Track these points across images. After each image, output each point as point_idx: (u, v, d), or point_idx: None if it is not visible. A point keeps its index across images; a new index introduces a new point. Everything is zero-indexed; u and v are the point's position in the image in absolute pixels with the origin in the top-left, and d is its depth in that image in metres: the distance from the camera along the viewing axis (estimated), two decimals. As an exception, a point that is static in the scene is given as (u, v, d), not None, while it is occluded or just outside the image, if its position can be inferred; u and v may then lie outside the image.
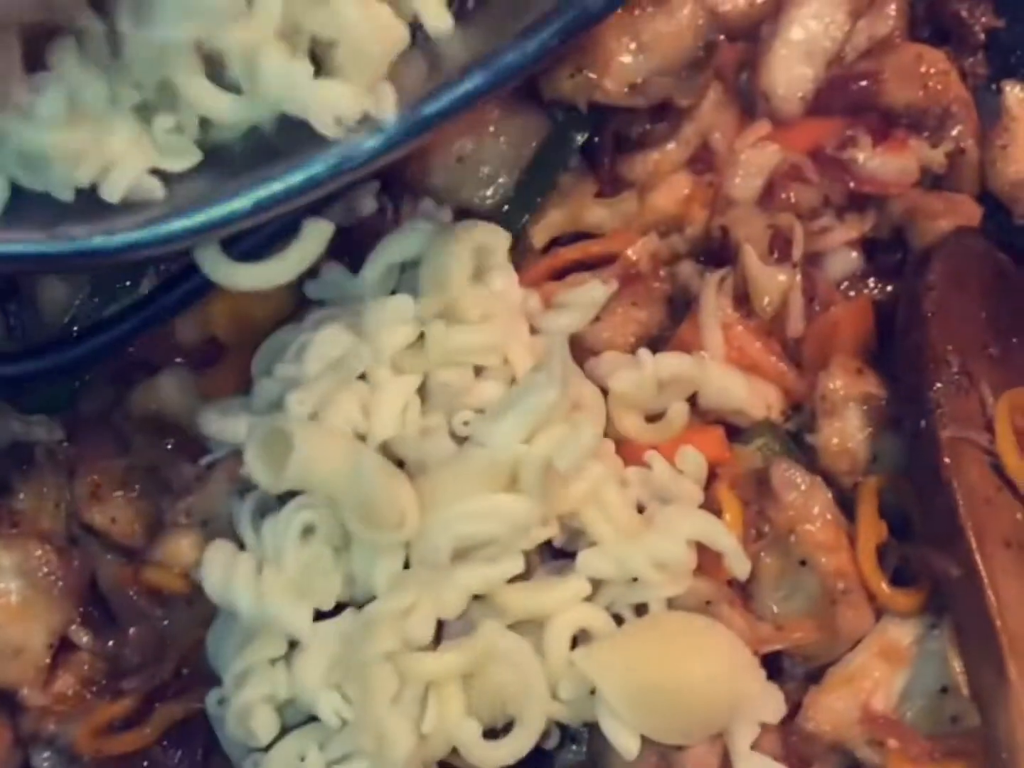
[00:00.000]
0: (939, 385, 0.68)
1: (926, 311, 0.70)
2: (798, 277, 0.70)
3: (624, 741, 0.61)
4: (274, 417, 0.64)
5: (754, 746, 0.63)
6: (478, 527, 0.62)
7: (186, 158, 0.60)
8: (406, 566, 0.64)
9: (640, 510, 0.66)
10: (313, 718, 0.64)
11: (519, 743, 0.62)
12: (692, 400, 0.70)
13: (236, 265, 0.63)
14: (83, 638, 0.71)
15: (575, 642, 0.63)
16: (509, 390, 0.65)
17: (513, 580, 0.63)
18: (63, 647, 0.71)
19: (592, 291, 0.70)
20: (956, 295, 0.71)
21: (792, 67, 0.75)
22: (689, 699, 0.61)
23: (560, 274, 0.73)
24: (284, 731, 0.65)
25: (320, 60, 0.60)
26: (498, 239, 0.69)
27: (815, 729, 0.65)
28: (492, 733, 0.63)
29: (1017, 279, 0.74)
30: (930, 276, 0.71)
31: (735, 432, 0.70)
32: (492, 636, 0.62)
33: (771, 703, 0.63)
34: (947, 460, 0.66)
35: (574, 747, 0.66)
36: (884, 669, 0.65)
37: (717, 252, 0.73)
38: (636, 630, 0.63)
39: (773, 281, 0.70)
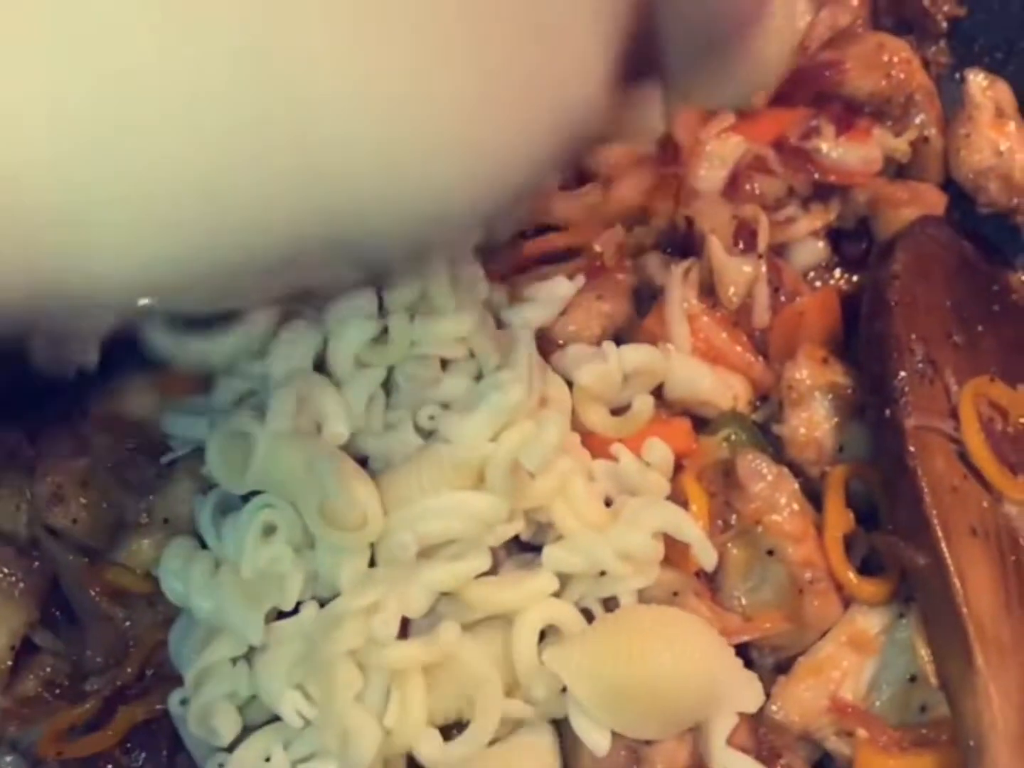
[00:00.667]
0: (903, 374, 0.68)
1: (890, 300, 0.70)
2: (763, 268, 0.70)
3: (594, 737, 0.61)
4: (235, 416, 0.63)
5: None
6: (444, 524, 0.62)
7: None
8: (371, 564, 0.63)
9: (608, 503, 0.66)
10: (276, 717, 0.63)
11: (470, 745, 0.62)
12: (658, 392, 0.70)
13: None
14: (45, 640, 0.69)
15: (543, 636, 0.63)
16: (475, 385, 0.65)
17: (480, 575, 0.63)
18: (24, 649, 0.70)
19: (558, 286, 0.70)
20: (920, 284, 0.71)
21: (755, 57, 0.74)
22: (660, 693, 0.61)
23: (525, 267, 0.73)
24: (247, 730, 0.64)
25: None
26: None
27: (784, 719, 0.65)
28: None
29: (981, 268, 0.74)
30: (894, 265, 0.71)
31: (701, 423, 0.69)
32: (449, 637, 0.62)
33: (749, 691, 0.63)
34: (912, 449, 0.66)
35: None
36: (852, 659, 0.65)
37: (682, 244, 0.73)
38: (604, 626, 0.62)
39: (739, 272, 0.70)
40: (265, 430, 0.61)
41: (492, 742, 0.62)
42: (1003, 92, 0.74)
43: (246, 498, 0.66)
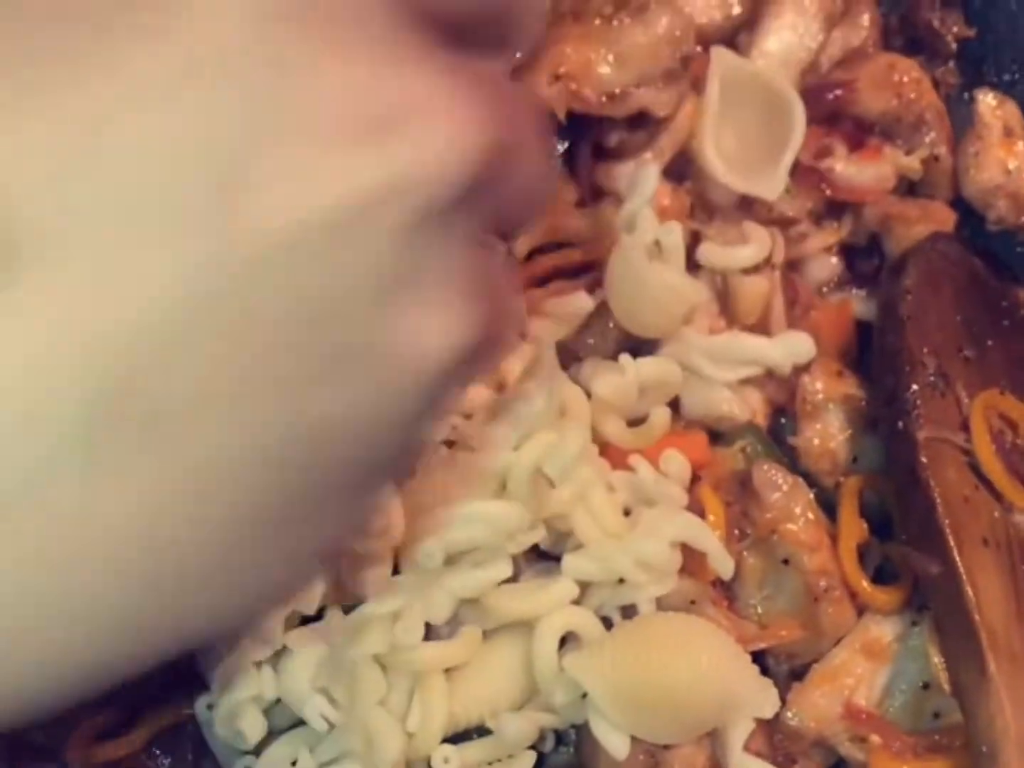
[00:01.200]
0: (915, 387, 0.69)
1: (902, 315, 0.71)
2: (778, 282, 0.72)
3: (614, 742, 0.62)
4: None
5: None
6: (468, 532, 0.63)
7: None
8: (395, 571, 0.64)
9: (626, 514, 0.67)
10: (301, 721, 0.64)
11: (488, 751, 0.63)
12: (673, 404, 0.71)
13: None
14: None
15: (563, 642, 0.63)
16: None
17: (501, 583, 0.64)
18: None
19: (578, 300, 0.71)
20: (932, 299, 0.73)
21: (768, 78, 0.76)
22: (678, 699, 0.62)
23: (542, 281, 0.74)
24: (272, 734, 0.65)
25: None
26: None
27: (799, 725, 0.66)
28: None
29: (990, 284, 0.75)
30: (906, 281, 0.73)
31: (716, 434, 0.71)
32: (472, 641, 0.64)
33: (765, 697, 0.64)
34: (924, 460, 0.67)
35: (562, 748, 0.67)
36: (866, 666, 0.66)
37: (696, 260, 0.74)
38: (623, 633, 0.63)
39: (754, 286, 0.71)
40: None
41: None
42: (1012, 112, 0.75)
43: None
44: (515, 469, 0.62)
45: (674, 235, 0.68)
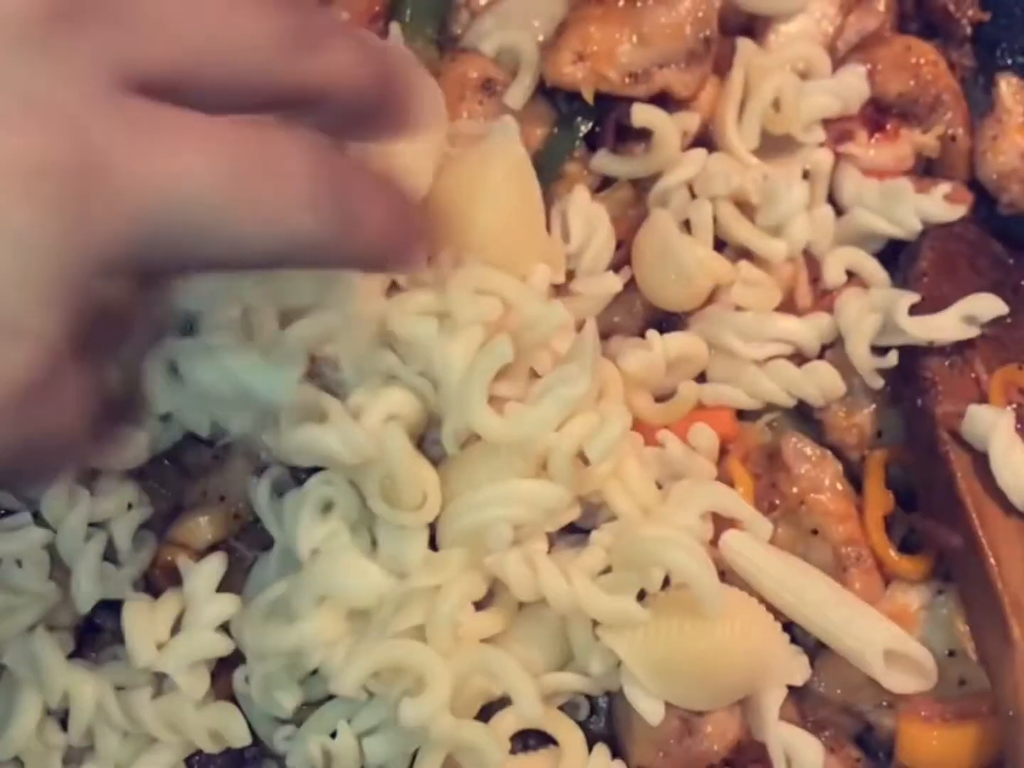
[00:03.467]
0: (933, 365, 0.71)
1: (919, 295, 0.72)
2: (802, 262, 0.73)
3: (649, 709, 0.63)
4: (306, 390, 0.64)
5: (775, 713, 0.65)
6: (509, 511, 0.63)
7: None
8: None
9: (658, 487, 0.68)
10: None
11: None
12: (699, 380, 0.72)
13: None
14: (105, 621, 0.70)
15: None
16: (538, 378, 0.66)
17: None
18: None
19: (607, 279, 0.72)
20: (947, 279, 0.74)
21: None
22: (711, 665, 0.63)
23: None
24: (309, 705, 0.66)
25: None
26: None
27: (827, 693, 0.67)
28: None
29: (1007, 263, 0.77)
30: (922, 262, 0.74)
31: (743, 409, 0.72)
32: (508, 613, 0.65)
33: (796, 665, 0.65)
34: (944, 435, 0.69)
35: (593, 717, 0.68)
36: (894, 634, 0.67)
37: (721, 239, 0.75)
38: (657, 603, 0.64)
39: (780, 266, 0.72)
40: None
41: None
42: (1033, 97, 0.77)
43: (297, 480, 0.68)
44: (557, 450, 0.63)
45: (704, 211, 0.69)
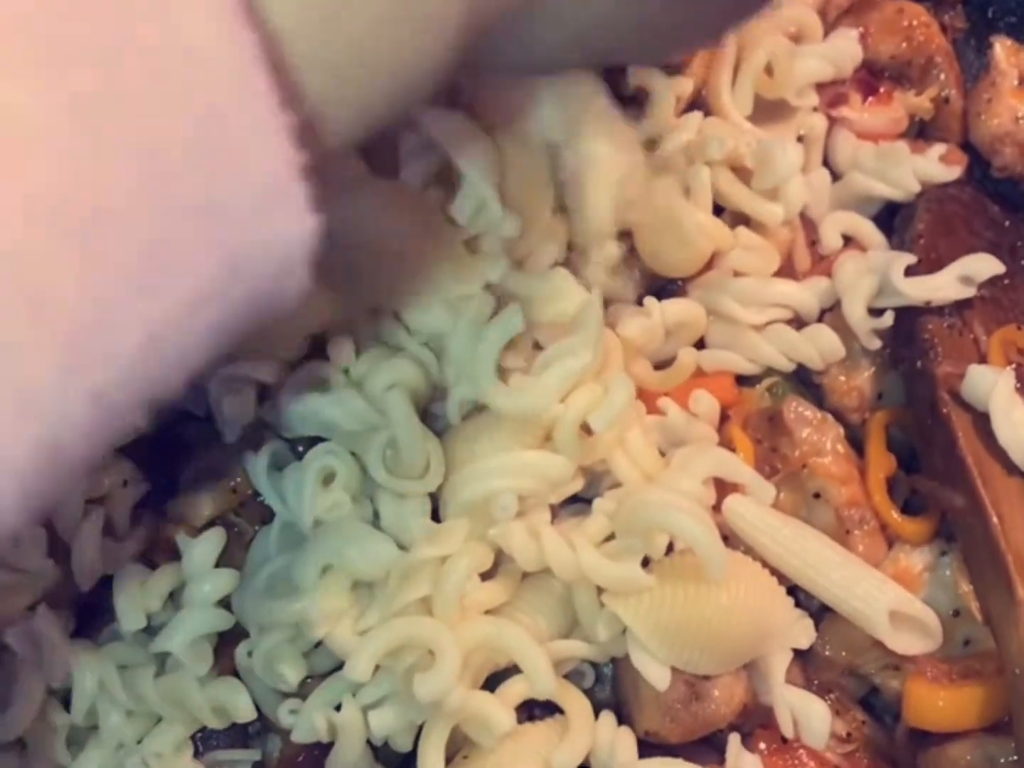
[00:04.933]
0: (932, 326, 0.71)
1: (916, 258, 0.72)
2: (799, 225, 0.73)
3: (656, 674, 0.63)
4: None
5: (780, 676, 0.64)
6: (514, 482, 0.63)
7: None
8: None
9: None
10: (342, 664, 0.64)
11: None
12: (699, 346, 0.72)
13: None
14: (106, 600, 0.70)
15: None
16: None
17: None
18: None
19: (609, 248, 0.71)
20: (944, 241, 0.74)
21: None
22: (716, 629, 0.63)
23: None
24: (313, 679, 0.65)
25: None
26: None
27: (832, 655, 0.67)
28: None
29: (1003, 225, 0.76)
30: (918, 224, 0.74)
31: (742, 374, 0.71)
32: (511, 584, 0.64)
33: (801, 628, 0.65)
34: (944, 396, 0.69)
35: (598, 684, 0.68)
36: (898, 595, 0.67)
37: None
38: (662, 569, 0.64)
39: (777, 231, 0.72)
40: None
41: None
42: (1027, 60, 0.77)
43: (297, 453, 0.67)
44: (562, 422, 0.63)
45: (702, 176, 0.69)
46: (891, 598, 0.64)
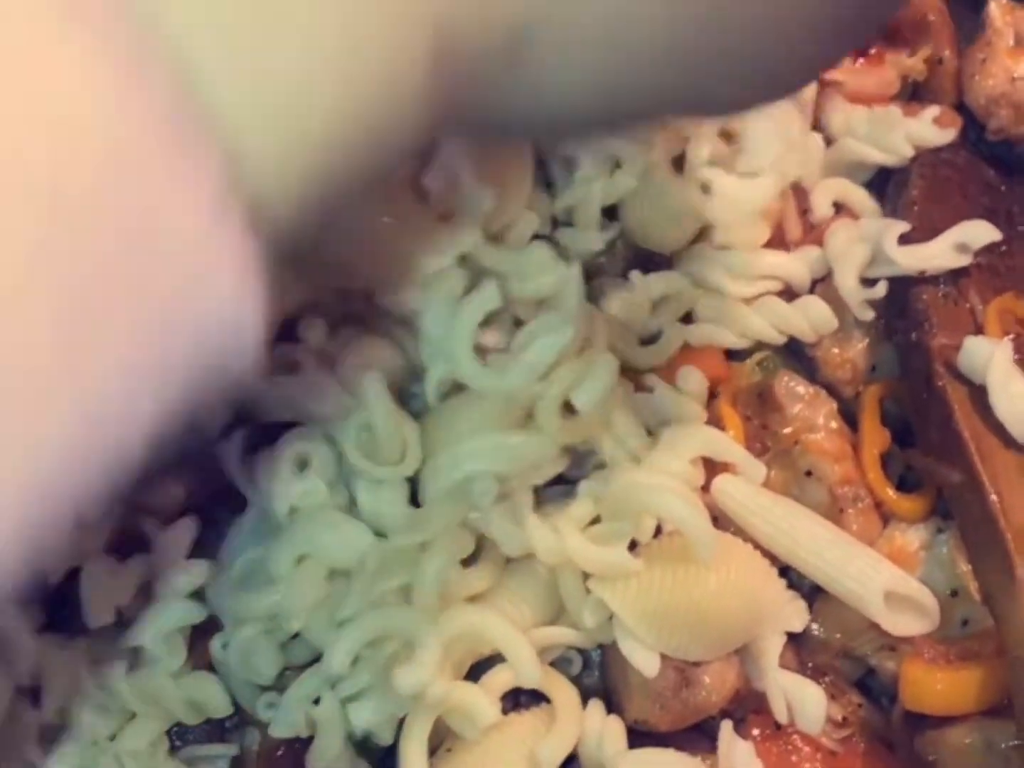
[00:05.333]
0: (926, 296, 0.69)
1: (910, 225, 0.70)
2: (791, 195, 0.70)
3: (644, 661, 0.61)
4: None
5: (773, 659, 0.63)
6: (494, 465, 0.60)
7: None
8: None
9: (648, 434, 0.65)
10: (319, 657, 0.62)
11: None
12: (686, 321, 0.69)
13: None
14: (75, 593, 0.68)
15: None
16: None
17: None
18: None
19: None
20: (938, 208, 0.72)
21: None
22: (706, 613, 0.61)
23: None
24: (290, 671, 0.63)
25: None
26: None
27: (826, 638, 0.65)
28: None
29: (1000, 190, 0.74)
30: (912, 190, 0.72)
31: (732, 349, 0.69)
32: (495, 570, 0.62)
33: (793, 610, 0.63)
34: (939, 368, 0.67)
35: (586, 671, 0.66)
36: (894, 575, 0.65)
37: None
38: (649, 552, 0.62)
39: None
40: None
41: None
42: (1022, 20, 0.74)
43: (271, 437, 0.65)
44: (543, 401, 0.60)
45: (692, 151, 0.66)
46: (886, 578, 0.63)
